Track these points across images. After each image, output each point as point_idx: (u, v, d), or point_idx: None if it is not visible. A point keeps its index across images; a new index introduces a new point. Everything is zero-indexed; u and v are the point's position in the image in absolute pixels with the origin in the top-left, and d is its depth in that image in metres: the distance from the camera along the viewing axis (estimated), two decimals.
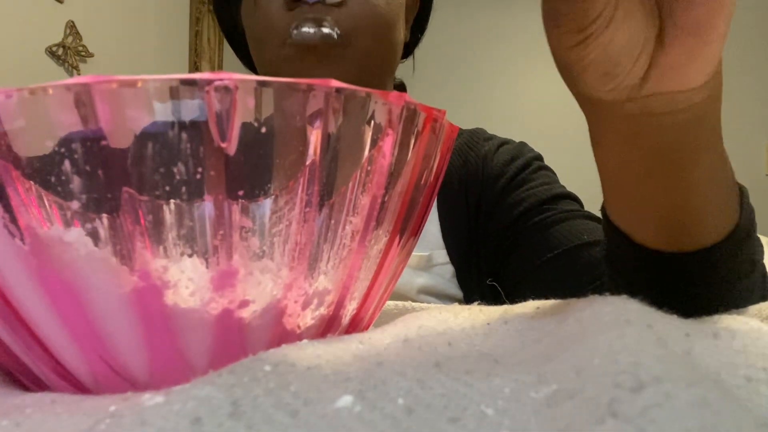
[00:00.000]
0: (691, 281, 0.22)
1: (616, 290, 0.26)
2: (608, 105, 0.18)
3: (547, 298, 0.25)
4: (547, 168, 0.42)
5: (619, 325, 0.11)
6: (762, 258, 0.23)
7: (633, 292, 0.22)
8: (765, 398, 0.10)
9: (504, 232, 0.38)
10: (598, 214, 0.37)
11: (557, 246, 0.34)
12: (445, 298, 0.40)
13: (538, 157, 0.42)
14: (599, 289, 0.30)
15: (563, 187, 0.39)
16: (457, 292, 0.40)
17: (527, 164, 0.40)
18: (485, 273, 0.40)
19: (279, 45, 0.35)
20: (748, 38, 1.93)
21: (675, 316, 0.13)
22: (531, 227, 0.36)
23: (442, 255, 0.39)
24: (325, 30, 0.33)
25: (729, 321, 0.15)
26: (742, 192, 0.22)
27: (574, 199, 0.39)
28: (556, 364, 0.10)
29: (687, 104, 0.18)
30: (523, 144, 0.44)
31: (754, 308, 0.21)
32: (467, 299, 0.40)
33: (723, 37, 0.16)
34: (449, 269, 0.40)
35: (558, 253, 0.34)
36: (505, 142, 0.43)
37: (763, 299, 0.24)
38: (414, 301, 0.39)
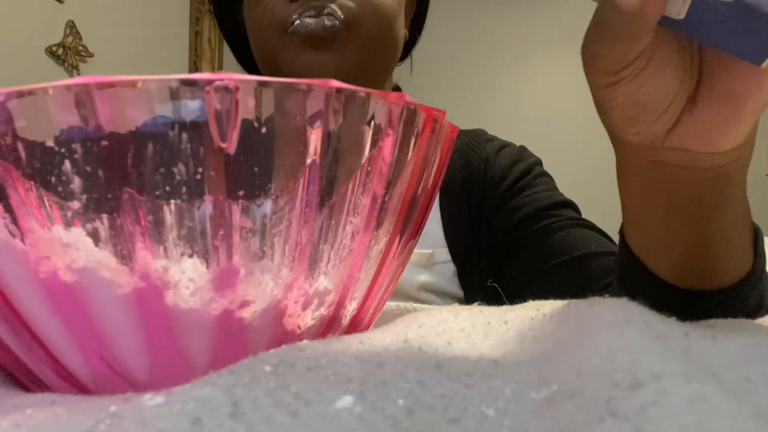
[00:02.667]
0: (697, 316, 0.22)
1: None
2: (633, 147, 0.19)
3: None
4: (547, 174, 0.42)
5: (618, 325, 0.11)
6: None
7: None
8: (764, 398, 0.10)
9: (507, 235, 0.38)
10: (596, 220, 0.38)
11: (565, 252, 0.34)
12: (446, 296, 0.40)
13: (539, 162, 0.43)
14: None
15: (562, 194, 0.40)
16: (458, 291, 0.40)
17: (529, 169, 0.41)
18: (486, 273, 0.40)
19: (280, 34, 0.35)
20: None
21: (673, 318, 0.13)
22: (535, 232, 0.37)
23: (443, 253, 0.40)
24: (328, 22, 0.33)
25: (727, 324, 0.15)
26: (756, 235, 0.23)
27: (573, 207, 0.39)
28: (556, 364, 0.10)
29: (710, 165, 0.18)
30: (523, 148, 0.45)
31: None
32: (468, 299, 0.40)
33: (756, 112, 0.16)
34: (450, 268, 0.40)
35: (566, 259, 0.34)
36: (505, 145, 0.44)
37: None
38: (415, 298, 0.39)
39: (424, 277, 0.39)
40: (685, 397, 0.08)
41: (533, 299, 0.33)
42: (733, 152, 0.18)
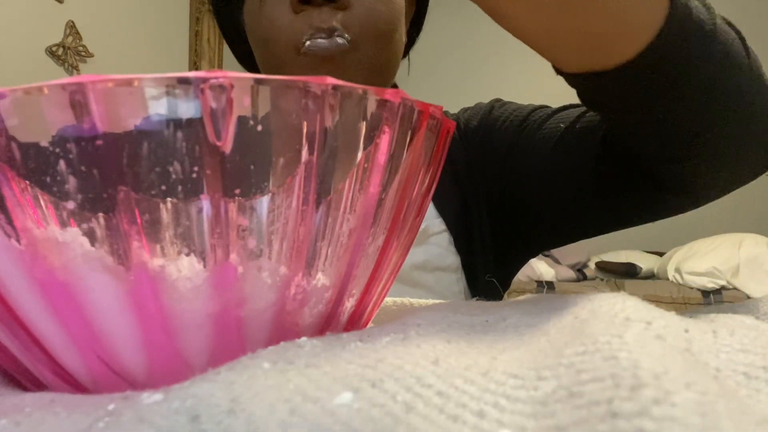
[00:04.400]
0: (657, 77, 0.23)
1: (607, 130, 0.29)
2: None
3: (561, 199, 0.29)
4: (509, 102, 0.44)
5: (618, 322, 0.11)
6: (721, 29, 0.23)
7: (618, 122, 0.26)
8: (765, 395, 0.10)
9: (500, 172, 0.40)
10: None
11: (545, 148, 0.36)
12: (439, 271, 0.41)
13: (498, 99, 0.45)
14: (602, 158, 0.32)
15: (530, 105, 0.41)
16: (454, 260, 0.41)
17: (491, 107, 0.43)
18: (485, 229, 0.41)
19: (292, 54, 0.36)
20: (747, 38, 1.92)
21: (673, 313, 0.13)
22: (518, 150, 0.38)
23: (437, 224, 0.41)
24: (340, 40, 0.34)
25: (727, 319, 0.15)
26: None
27: (542, 107, 0.40)
28: (555, 361, 0.10)
29: None
30: (479, 102, 0.47)
31: (749, 304, 0.21)
32: (466, 262, 0.41)
33: None
34: (445, 237, 0.41)
35: (548, 153, 0.35)
36: (466, 108, 0.47)
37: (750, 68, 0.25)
38: (407, 279, 0.39)
39: (416, 257, 0.40)
40: (688, 399, 0.08)
41: (546, 204, 0.36)
42: None
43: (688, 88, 0.23)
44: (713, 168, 0.27)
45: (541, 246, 0.42)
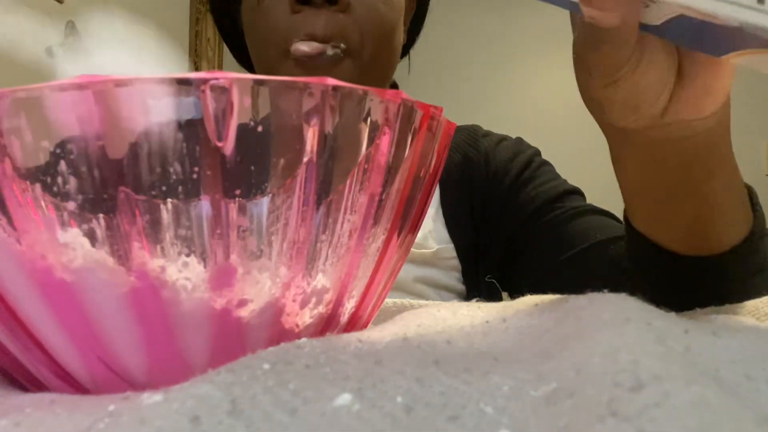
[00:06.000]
0: (709, 280, 0.24)
1: (638, 288, 0.27)
2: (631, 133, 0.20)
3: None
4: (547, 163, 0.43)
5: (618, 323, 0.11)
6: None
7: (654, 291, 0.25)
8: (764, 396, 0.10)
9: (515, 231, 0.39)
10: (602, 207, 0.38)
11: (571, 246, 0.35)
12: (442, 288, 0.40)
13: (538, 153, 0.44)
14: (620, 288, 0.31)
15: (566, 182, 0.40)
16: (457, 285, 0.40)
17: (529, 161, 0.42)
18: (493, 269, 0.40)
19: (281, 56, 0.35)
20: None
21: (673, 314, 0.13)
22: (543, 225, 0.37)
23: (449, 250, 0.40)
24: (330, 52, 0.34)
25: (726, 319, 0.15)
26: (751, 195, 0.24)
27: (579, 193, 0.40)
28: (555, 362, 0.10)
29: (701, 129, 0.19)
30: (520, 140, 0.45)
31: (750, 306, 0.21)
32: (470, 294, 0.40)
33: (733, 71, 0.18)
34: (453, 264, 0.40)
35: (573, 253, 0.35)
36: (503, 139, 0.45)
37: None
38: (410, 290, 0.39)
39: (421, 271, 0.39)
40: (688, 400, 0.08)
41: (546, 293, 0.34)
42: (719, 112, 0.19)
43: (730, 293, 0.24)
44: None
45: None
